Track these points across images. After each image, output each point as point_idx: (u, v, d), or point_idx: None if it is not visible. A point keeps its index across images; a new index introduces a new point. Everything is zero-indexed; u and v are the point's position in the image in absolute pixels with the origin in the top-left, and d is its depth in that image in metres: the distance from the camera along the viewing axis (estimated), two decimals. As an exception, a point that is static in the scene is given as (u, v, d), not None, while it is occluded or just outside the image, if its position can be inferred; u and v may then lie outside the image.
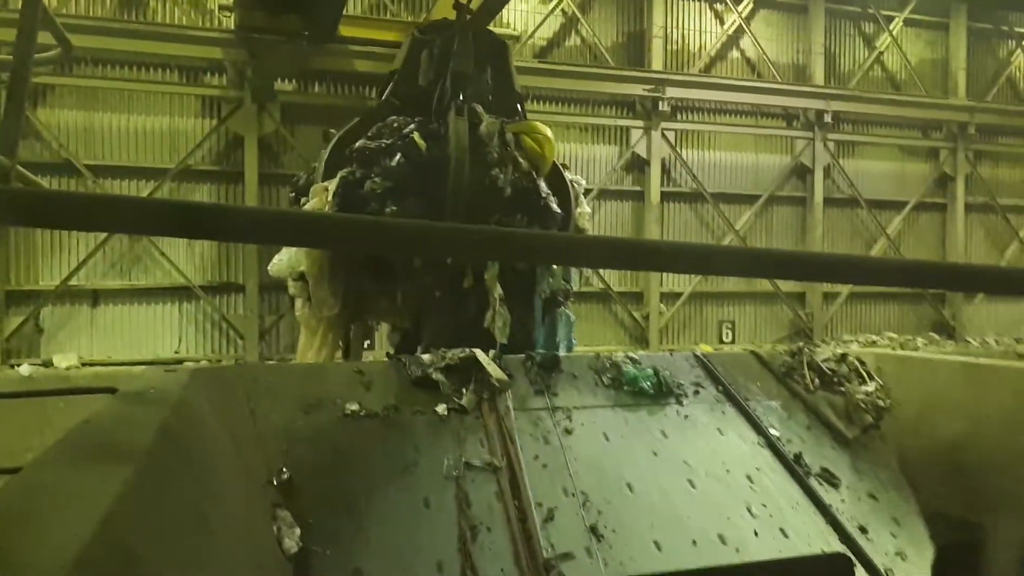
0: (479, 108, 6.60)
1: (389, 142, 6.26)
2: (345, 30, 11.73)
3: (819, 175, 15.23)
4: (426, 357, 4.77)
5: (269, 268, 6.92)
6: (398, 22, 12.45)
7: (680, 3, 14.66)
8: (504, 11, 11.95)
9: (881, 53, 16.14)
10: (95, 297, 11.53)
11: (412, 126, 6.36)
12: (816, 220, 15.18)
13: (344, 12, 11.32)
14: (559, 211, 6.72)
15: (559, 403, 4.61)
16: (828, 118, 15.06)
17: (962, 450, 4.83)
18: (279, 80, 12.11)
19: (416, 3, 12.90)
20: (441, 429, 4.46)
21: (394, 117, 6.55)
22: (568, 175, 7.37)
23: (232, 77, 11.86)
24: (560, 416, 4.56)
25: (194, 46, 11.62)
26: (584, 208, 7.39)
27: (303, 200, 6.81)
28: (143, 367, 9.54)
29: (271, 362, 11.27)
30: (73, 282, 11.33)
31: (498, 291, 6.27)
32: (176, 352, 11.80)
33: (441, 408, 4.48)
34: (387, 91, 7.29)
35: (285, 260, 6.64)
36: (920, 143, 16.41)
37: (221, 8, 11.83)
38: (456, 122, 6.39)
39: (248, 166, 11.88)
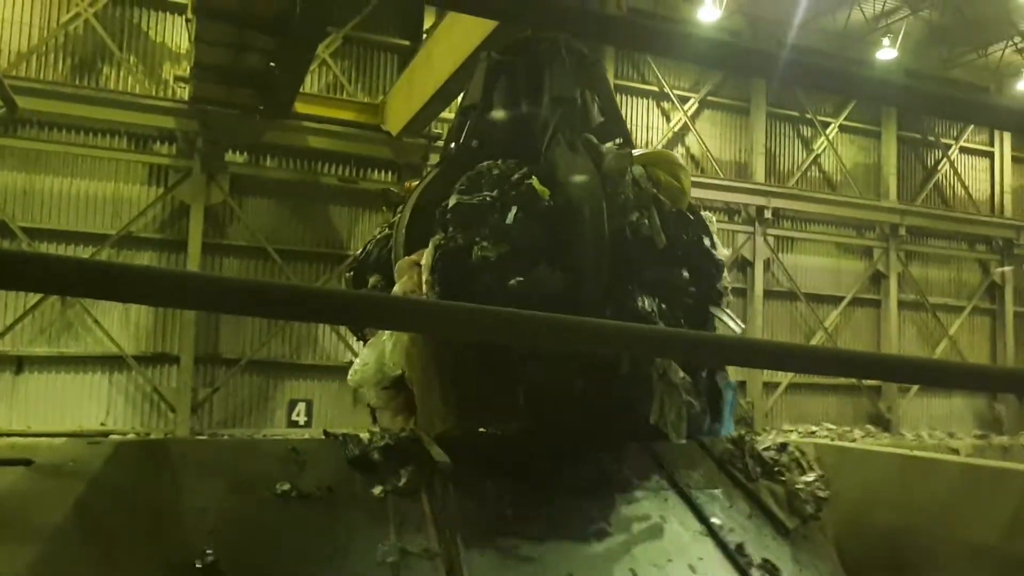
0: (594, 139, 5.22)
1: (494, 194, 4.91)
2: (301, 107, 11.87)
3: (759, 268, 15.68)
4: (364, 435, 4.62)
5: (349, 378, 5.39)
6: (354, 102, 12.64)
7: (629, 100, 15.22)
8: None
9: (818, 155, 16.94)
10: (19, 363, 11.04)
11: (525, 170, 5.00)
12: (756, 311, 15.54)
13: (301, 89, 11.47)
14: (720, 257, 5.43)
15: (504, 489, 4.49)
16: (768, 214, 15.63)
17: (900, 543, 4.83)
18: (230, 151, 12.08)
19: (373, 84, 13.13)
20: (378, 512, 4.28)
21: (489, 163, 5.12)
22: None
23: (182, 146, 11.81)
24: (504, 503, 4.43)
25: (146, 114, 11.59)
26: (724, 251, 5.82)
27: (373, 280, 5.58)
28: (64, 439, 9.05)
29: (202, 437, 10.86)
30: (-3, 347, 10.86)
31: (677, 372, 4.95)
32: (102, 424, 11.30)
33: (378, 490, 4.30)
34: (464, 132, 5.82)
35: (372, 365, 5.23)
36: (855, 241, 17.08)
37: (176, 79, 11.86)
38: (573, 159, 5.05)
39: (192, 235, 11.71)
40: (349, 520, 4.09)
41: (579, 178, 4.91)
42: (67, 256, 9.79)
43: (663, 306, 4.82)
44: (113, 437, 10.17)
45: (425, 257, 4.79)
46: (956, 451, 13.65)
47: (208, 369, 11.76)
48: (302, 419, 11.59)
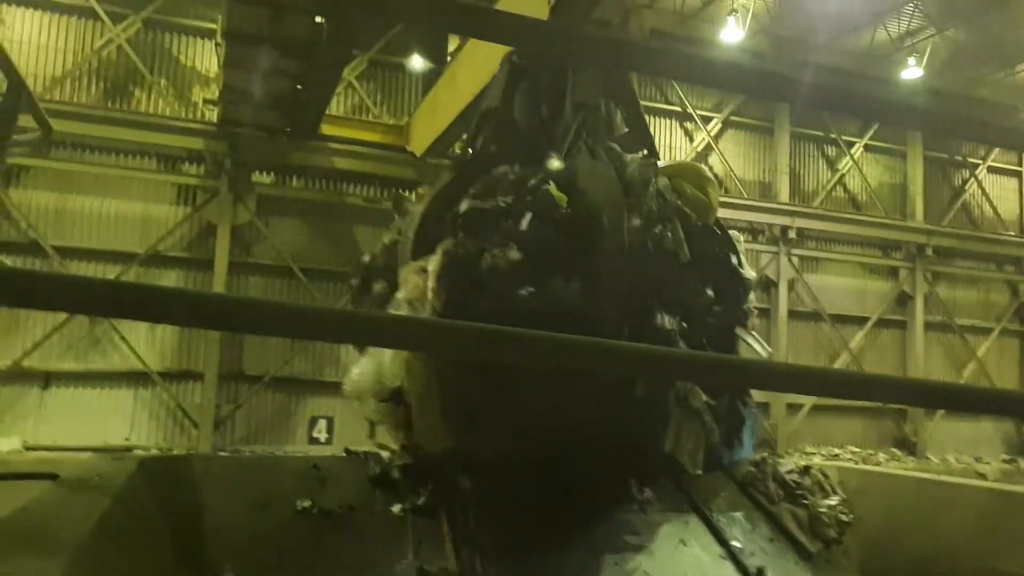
0: (617, 147, 4.94)
1: (509, 200, 4.58)
2: (327, 128, 12.03)
3: (783, 288, 15.56)
4: (385, 454, 4.64)
5: (344, 387, 5.16)
6: (379, 123, 12.79)
7: (652, 120, 15.25)
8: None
9: (843, 175, 16.83)
10: (47, 379, 11.22)
11: (542, 175, 4.70)
12: (780, 332, 15.40)
13: (327, 111, 11.63)
14: (749, 277, 5.13)
15: (522, 509, 4.48)
16: (792, 234, 15.52)
17: (926, 570, 4.74)
18: (257, 172, 12.26)
19: (398, 106, 13.28)
20: (397, 531, 4.29)
21: (505, 168, 4.84)
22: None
23: (210, 167, 12.00)
24: (523, 523, 4.41)
25: (175, 135, 11.80)
26: (751, 271, 5.53)
27: (378, 287, 5.30)
28: (89, 454, 9.17)
29: (224, 454, 10.93)
30: (26, 363, 11.03)
31: (699, 397, 4.60)
32: (126, 439, 11.42)
33: (397, 508, 4.32)
34: (481, 136, 5.56)
35: (369, 374, 4.92)
36: (880, 261, 16.91)
37: (206, 102, 12.08)
38: (593, 166, 4.76)
39: (219, 254, 11.86)
40: (368, 538, 4.11)
41: (600, 186, 4.62)
42: (79, 276, 9.99)
43: (684, 325, 4.51)
44: (137, 452, 10.28)
45: (432, 263, 4.46)
46: (983, 476, 13.38)
47: (232, 386, 11.87)
48: (323, 436, 11.63)
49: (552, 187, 4.56)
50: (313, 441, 11.61)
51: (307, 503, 4.27)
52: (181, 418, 11.74)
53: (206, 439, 11.56)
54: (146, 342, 11.64)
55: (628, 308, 4.34)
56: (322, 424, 11.69)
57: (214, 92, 11.63)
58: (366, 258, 5.98)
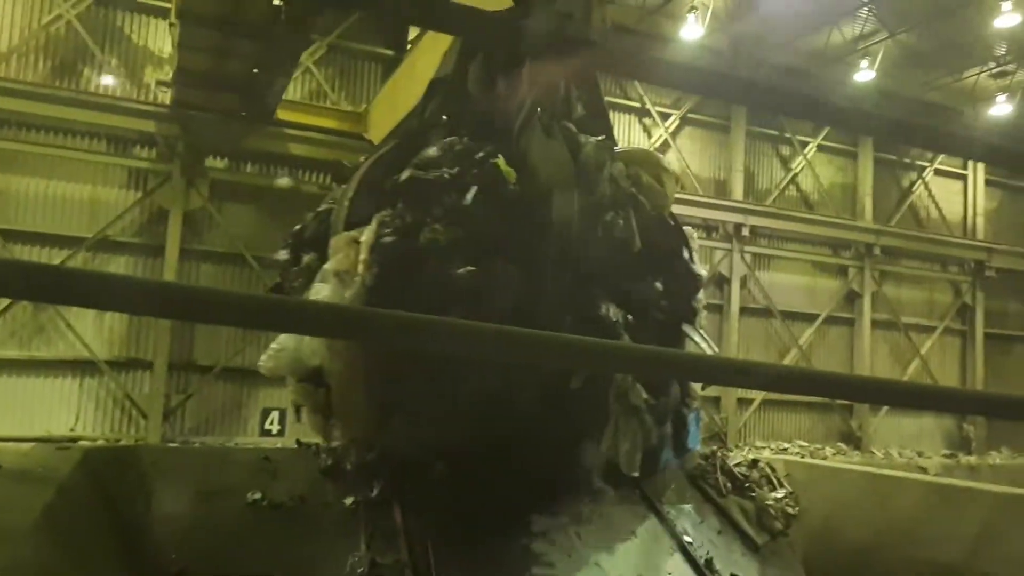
0: (572, 127, 4.57)
1: (454, 171, 4.23)
2: (283, 114, 11.84)
3: (736, 285, 15.81)
4: (338, 446, 4.61)
5: (261, 364, 4.83)
6: (336, 110, 12.64)
7: (610, 115, 15.30)
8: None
9: (796, 174, 17.14)
10: (-11, 366, 10.89)
11: (490, 148, 4.35)
12: (732, 327, 15.65)
13: (284, 96, 11.45)
14: (700, 273, 4.93)
15: (474, 500, 4.48)
16: (746, 231, 15.78)
17: (867, 560, 4.88)
18: (211, 157, 12.03)
19: (356, 92, 13.13)
20: (349, 523, 4.27)
21: (453, 139, 4.46)
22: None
23: (162, 150, 11.73)
24: (475, 514, 4.42)
25: (126, 117, 11.49)
26: (702, 268, 5.23)
27: (308, 257, 4.95)
28: (33, 444, 8.94)
29: (173, 445, 10.75)
30: (-34, 350, 10.70)
31: (640, 394, 4.31)
32: (71, 430, 11.13)
33: (349, 501, 4.29)
34: (431, 105, 5.21)
35: (289, 351, 4.55)
36: (830, 260, 17.28)
37: (159, 83, 11.80)
38: (547, 144, 4.38)
39: (170, 240, 11.61)
40: (320, 530, 4.08)
41: (552, 165, 4.30)
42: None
43: (629, 318, 4.31)
44: (83, 443, 10.04)
45: (366, 233, 4.13)
46: (925, 470, 13.80)
47: (182, 375, 11.65)
48: (275, 428, 11.49)
49: (501, 161, 4.26)
50: (265, 433, 11.46)
51: (257, 495, 4.24)
52: (129, 408, 11.49)
53: (155, 430, 11.34)
54: (93, 329, 11.35)
55: (572, 296, 4.17)
56: (275, 416, 11.55)
57: (167, 73, 11.37)
58: (296, 228, 5.56)
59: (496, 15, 4.14)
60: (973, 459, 16.66)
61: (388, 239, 4.09)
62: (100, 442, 10.85)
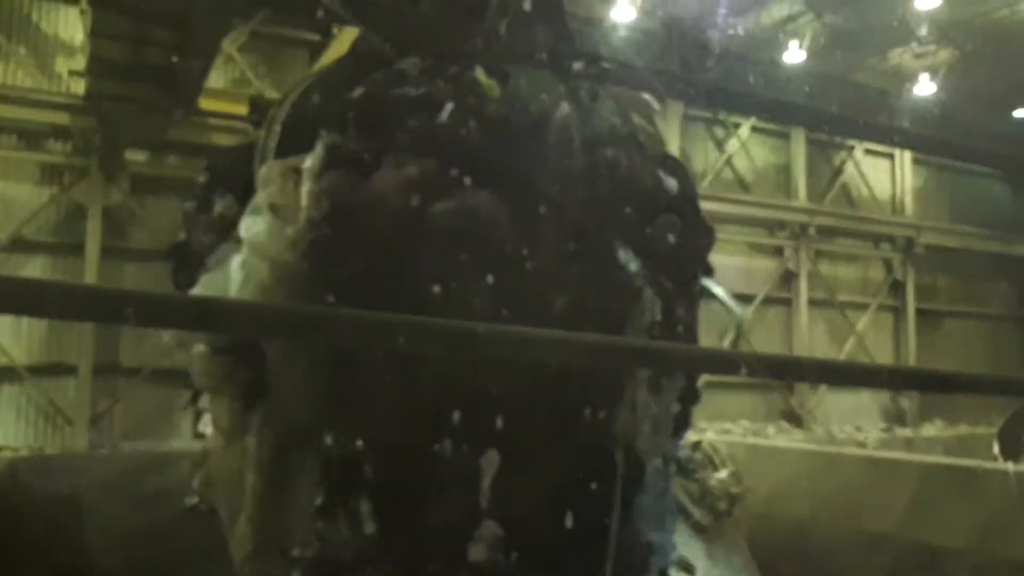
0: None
1: (421, 91, 3.40)
2: (206, 103, 11.40)
3: (676, 267, 15.90)
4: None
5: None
6: (262, 97, 12.23)
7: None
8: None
9: (731, 156, 17.31)
10: None
11: (466, 62, 3.54)
12: (674, 310, 15.75)
13: (206, 85, 11.03)
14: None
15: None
16: (684, 214, 15.88)
17: (807, 534, 4.90)
18: (131, 149, 11.53)
19: (282, 79, 12.72)
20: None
21: (414, 59, 3.57)
22: None
23: (78, 144, 11.19)
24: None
25: (36, 110, 10.93)
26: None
27: (222, 204, 3.77)
28: (-59, 457, 8.48)
29: (103, 451, 10.31)
30: None
31: None
32: (-9, 440, 10.59)
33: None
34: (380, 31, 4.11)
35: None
36: (766, 241, 17.53)
37: (71, 73, 11.22)
38: (531, 69, 3.66)
39: (90, 238, 11.09)
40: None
41: (540, 86, 3.57)
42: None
43: (647, 271, 3.56)
44: (3, 454, 9.54)
45: (309, 159, 3.22)
46: (864, 444, 14.12)
47: (108, 379, 11.17)
48: (209, 430, 11.09)
49: (480, 72, 3.42)
50: (199, 436, 11.02)
51: (195, 500, 4.01)
52: (53, 415, 10.97)
53: (82, 437, 10.85)
54: (11, 334, 10.78)
55: (577, 240, 3.39)
56: (208, 418, 11.13)
57: (80, 63, 10.81)
58: (202, 177, 4.19)
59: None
60: (909, 432, 17.15)
61: (340, 167, 3.19)
62: (23, 452, 10.34)
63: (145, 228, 11.44)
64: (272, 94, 12.34)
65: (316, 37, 12.54)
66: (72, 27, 11.37)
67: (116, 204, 11.35)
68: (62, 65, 11.41)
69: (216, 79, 11.88)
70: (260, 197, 3.27)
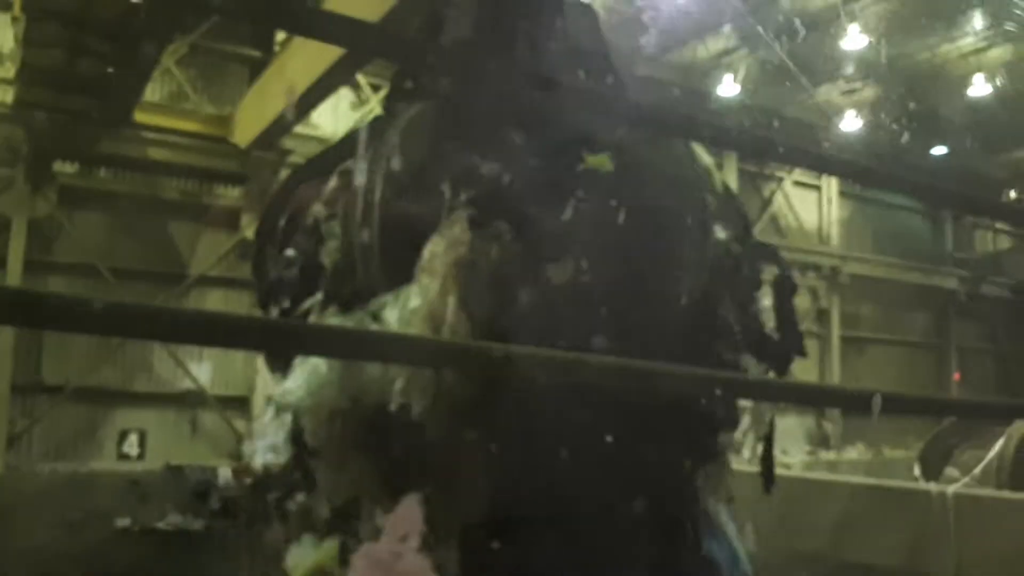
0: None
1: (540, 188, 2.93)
2: (141, 116, 11.19)
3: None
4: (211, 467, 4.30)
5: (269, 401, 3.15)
6: (199, 113, 12.07)
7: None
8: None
9: (665, 184, 17.71)
10: None
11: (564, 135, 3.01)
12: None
13: (142, 98, 10.81)
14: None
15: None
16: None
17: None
18: (60, 161, 11.19)
19: (220, 95, 12.56)
20: (229, 547, 4.02)
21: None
22: None
23: (3, 154, 10.80)
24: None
25: (-42, 117, 10.52)
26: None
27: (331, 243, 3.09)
28: None
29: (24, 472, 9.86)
30: None
31: None
32: None
33: (224, 523, 4.03)
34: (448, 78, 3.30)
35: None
36: (699, 267, 17.93)
37: (-1, 81, 10.88)
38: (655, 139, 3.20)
39: (13, 252, 10.68)
40: (194, 553, 3.81)
41: (664, 157, 3.11)
42: None
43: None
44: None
45: (447, 241, 2.70)
46: (788, 467, 14.49)
47: (28, 398, 10.71)
48: (134, 451, 10.72)
49: (591, 159, 2.97)
50: (123, 457, 10.66)
51: (127, 521, 3.92)
52: (-34, 435, 10.46)
53: (-3, 458, 10.37)
54: (-81, 350, 10.29)
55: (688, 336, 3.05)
56: (133, 438, 10.78)
57: (9, 70, 10.49)
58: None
59: (361, 25, 3.22)
60: (832, 455, 17.68)
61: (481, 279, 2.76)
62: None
63: (72, 241, 11.09)
64: (210, 109, 12.21)
65: (256, 54, 12.46)
66: (1, 33, 11.02)
67: (42, 216, 10.96)
68: (-12, 72, 11.03)
69: (152, 92, 11.65)
70: (433, 266, 2.78)
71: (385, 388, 2.61)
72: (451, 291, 2.67)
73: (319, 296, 2.99)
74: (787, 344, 3.59)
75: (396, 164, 2.90)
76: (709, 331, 3.18)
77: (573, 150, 3.00)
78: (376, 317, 2.75)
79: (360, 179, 2.94)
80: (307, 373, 2.82)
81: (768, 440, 3.77)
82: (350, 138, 3.38)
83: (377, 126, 3.23)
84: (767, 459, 3.73)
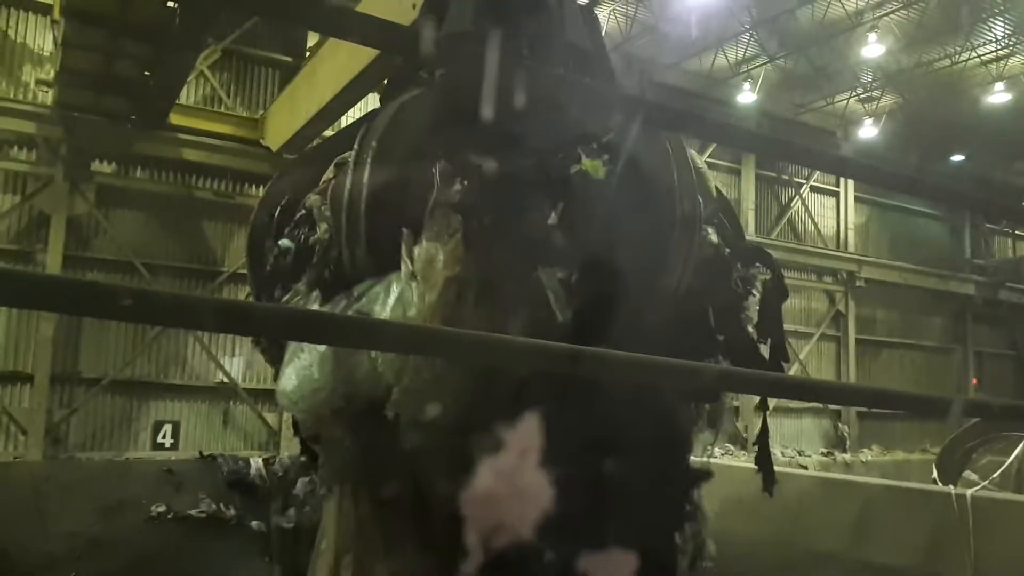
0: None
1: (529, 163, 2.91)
2: (176, 118, 11.50)
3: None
4: (245, 456, 4.55)
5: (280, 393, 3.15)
6: (232, 116, 12.37)
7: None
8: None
9: (684, 188, 17.87)
10: None
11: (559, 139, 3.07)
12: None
13: (177, 101, 11.12)
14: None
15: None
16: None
17: (757, 552, 5.18)
18: (97, 161, 11.53)
19: (253, 98, 12.87)
20: (257, 535, 4.27)
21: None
22: None
23: (43, 153, 11.15)
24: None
25: (2, 117, 10.86)
26: None
27: (321, 231, 3.21)
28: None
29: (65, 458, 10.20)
30: None
31: None
32: (-61, 449, 10.39)
33: (257, 514, 4.27)
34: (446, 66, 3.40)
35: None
36: (717, 271, 18.07)
37: (39, 82, 11.21)
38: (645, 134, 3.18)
39: (53, 247, 11.04)
40: (227, 543, 4.05)
41: (655, 157, 3.17)
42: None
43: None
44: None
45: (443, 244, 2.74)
46: (805, 467, 14.65)
47: (66, 389, 11.06)
48: (168, 441, 11.05)
49: (587, 163, 3.00)
50: (157, 447, 10.99)
51: (162, 508, 4.16)
52: (7, 424, 10.80)
53: (36, 447, 10.67)
54: (-35, 342, 10.66)
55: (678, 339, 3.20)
56: (167, 429, 11.11)
57: (49, 72, 10.83)
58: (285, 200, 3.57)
59: (393, 26, 3.06)
60: (848, 456, 17.81)
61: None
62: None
63: (109, 239, 11.44)
64: (243, 113, 12.51)
65: (288, 59, 12.75)
66: (41, 36, 11.38)
67: (81, 214, 11.31)
68: (30, 74, 11.38)
69: (187, 95, 11.99)
70: (411, 268, 2.96)
71: (375, 388, 2.76)
72: (447, 307, 2.79)
73: (303, 280, 3.13)
74: (773, 358, 3.84)
75: (384, 148, 3.03)
76: (693, 334, 3.33)
77: (570, 149, 3.08)
78: (361, 298, 2.91)
79: (348, 163, 3.08)
80: (300, 377, 2.96)
81: (764, 440, 3.96)
82: (346, 132, 3.59)
83: (372, 116, 3.39)
84: (764, 458, 3.97)
